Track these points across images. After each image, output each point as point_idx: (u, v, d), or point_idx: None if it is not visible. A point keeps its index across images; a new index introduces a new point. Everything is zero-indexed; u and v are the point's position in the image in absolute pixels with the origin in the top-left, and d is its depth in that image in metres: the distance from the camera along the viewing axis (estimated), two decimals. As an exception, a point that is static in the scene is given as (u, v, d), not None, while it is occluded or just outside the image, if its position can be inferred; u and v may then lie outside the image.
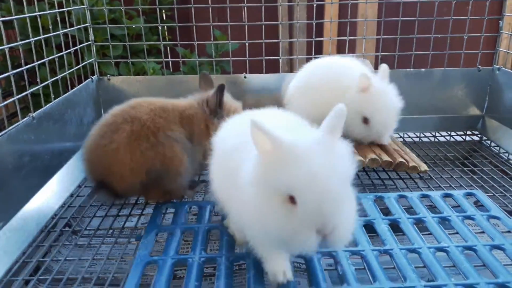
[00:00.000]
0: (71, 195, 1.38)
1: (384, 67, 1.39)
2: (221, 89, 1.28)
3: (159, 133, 1.18)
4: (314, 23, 1.82)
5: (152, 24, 2.09)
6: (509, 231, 1.07)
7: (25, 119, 1.23)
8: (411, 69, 1.75)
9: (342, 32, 2.03)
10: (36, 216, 1.21)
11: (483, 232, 1.05)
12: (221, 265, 0.93)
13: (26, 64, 1.27)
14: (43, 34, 1.38)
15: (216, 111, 1.29)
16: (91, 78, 1.68)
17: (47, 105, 1.35)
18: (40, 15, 1.36)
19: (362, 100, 1.33)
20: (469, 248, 0.98)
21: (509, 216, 1.12)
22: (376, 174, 1.47)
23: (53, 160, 1.37)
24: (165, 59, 1.82)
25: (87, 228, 1.19)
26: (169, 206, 1.21)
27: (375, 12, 2.76)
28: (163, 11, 2.36)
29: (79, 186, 1.44)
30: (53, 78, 1.41)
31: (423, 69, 1.75)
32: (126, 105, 1.24)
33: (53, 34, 1.45)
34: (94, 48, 1.72)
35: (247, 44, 1.74)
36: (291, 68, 3.01)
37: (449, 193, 1.23)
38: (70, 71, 1.56)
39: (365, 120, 1.36)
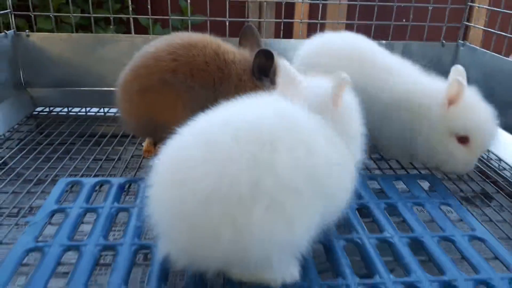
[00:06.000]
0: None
1: (459, 69, 1.06)
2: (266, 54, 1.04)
3: (153, 76, 1.00)
4: (283, 3, 1.64)
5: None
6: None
7: None
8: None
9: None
10: None
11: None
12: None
13: None
14: None
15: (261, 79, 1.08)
16: (5, 32, 1.44)
17: None
18: None
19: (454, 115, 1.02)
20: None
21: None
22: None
23: None
24: (117, 14, 1.59)
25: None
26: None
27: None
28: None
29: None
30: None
31: (383, 41, 1.61)
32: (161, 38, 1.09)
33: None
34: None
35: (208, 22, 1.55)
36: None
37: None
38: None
39: (462, 140, 1.03)
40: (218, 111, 0.69)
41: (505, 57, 1.36)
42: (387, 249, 0.83)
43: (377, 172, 1.21)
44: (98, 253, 0.78)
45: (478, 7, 1.53)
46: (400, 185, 1.07)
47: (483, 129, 1.02)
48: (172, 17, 1.59)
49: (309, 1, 1.98)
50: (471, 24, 1.56)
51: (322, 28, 1.88)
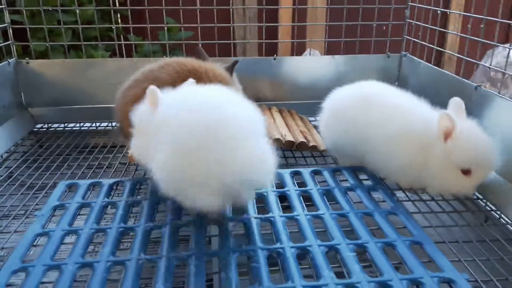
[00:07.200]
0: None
1: (456, 101, 1.11)
2: (235, 64, 1.43)
3: None
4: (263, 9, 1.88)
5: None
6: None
7: None
8: (325, 55, 1.85)
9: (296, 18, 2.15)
10: None
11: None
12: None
13: None
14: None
15: None
16: (8, 61, 1.67)
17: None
18: None
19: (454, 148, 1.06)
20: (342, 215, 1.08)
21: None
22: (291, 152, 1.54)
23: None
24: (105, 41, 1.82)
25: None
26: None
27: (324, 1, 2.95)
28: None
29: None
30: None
31: (336, 56, 1.85)
32: (159, 63, 1.28)
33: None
34: (11, 30, 1.71)
35: (199, 29, 1.79)
36: (245, 53, 3.22)
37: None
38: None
39: (465, 172, 1.09)
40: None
41: (432, 65, 1.61)
42: (320, 223, 1.05)
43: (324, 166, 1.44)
44: (92, 234, 1.00)
45: (414, 23, 1.77)
46: (340, 176, 1.30)
47: (482, 161, 1.07)
48: (152, 42, 1.82)
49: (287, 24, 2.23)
50: (410, 38, 1.81)
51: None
